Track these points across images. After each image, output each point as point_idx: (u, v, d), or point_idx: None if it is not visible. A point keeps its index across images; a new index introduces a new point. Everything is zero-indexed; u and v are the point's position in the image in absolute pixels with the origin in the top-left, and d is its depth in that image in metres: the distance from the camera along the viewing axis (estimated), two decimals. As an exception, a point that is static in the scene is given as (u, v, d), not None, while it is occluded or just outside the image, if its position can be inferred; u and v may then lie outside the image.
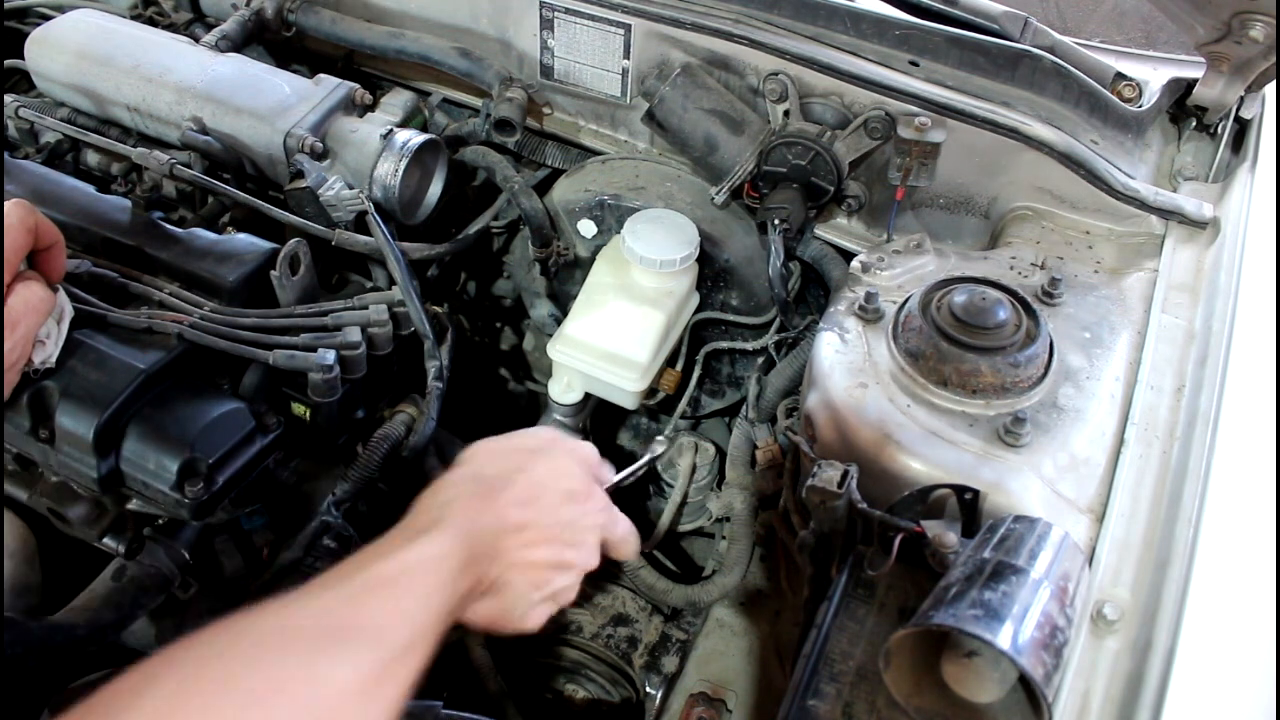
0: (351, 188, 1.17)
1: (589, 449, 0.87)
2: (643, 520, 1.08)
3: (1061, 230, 1.17)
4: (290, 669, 0.57)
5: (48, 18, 1.38)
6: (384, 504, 1.21)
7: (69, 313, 0.94)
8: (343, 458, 1.19)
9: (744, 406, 1.29)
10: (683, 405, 1.36)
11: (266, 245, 1.10)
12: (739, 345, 1.34)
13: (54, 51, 1.28)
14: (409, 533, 0.70)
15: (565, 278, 1.43)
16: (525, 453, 0.81)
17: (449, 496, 0.75)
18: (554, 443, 0.84)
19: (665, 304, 1.23)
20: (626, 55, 1.31)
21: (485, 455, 0.81)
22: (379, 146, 1.21)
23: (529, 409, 1.66)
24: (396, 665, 0.62)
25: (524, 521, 0.75)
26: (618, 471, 0.92)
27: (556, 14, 1.32)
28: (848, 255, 1.29)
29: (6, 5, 1.48)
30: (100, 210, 1.11)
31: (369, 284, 1.25)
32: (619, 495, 0.90)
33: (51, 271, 0.91)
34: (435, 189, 1.30)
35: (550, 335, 1.33)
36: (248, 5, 1.43)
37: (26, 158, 1.24)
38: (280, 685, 0.56)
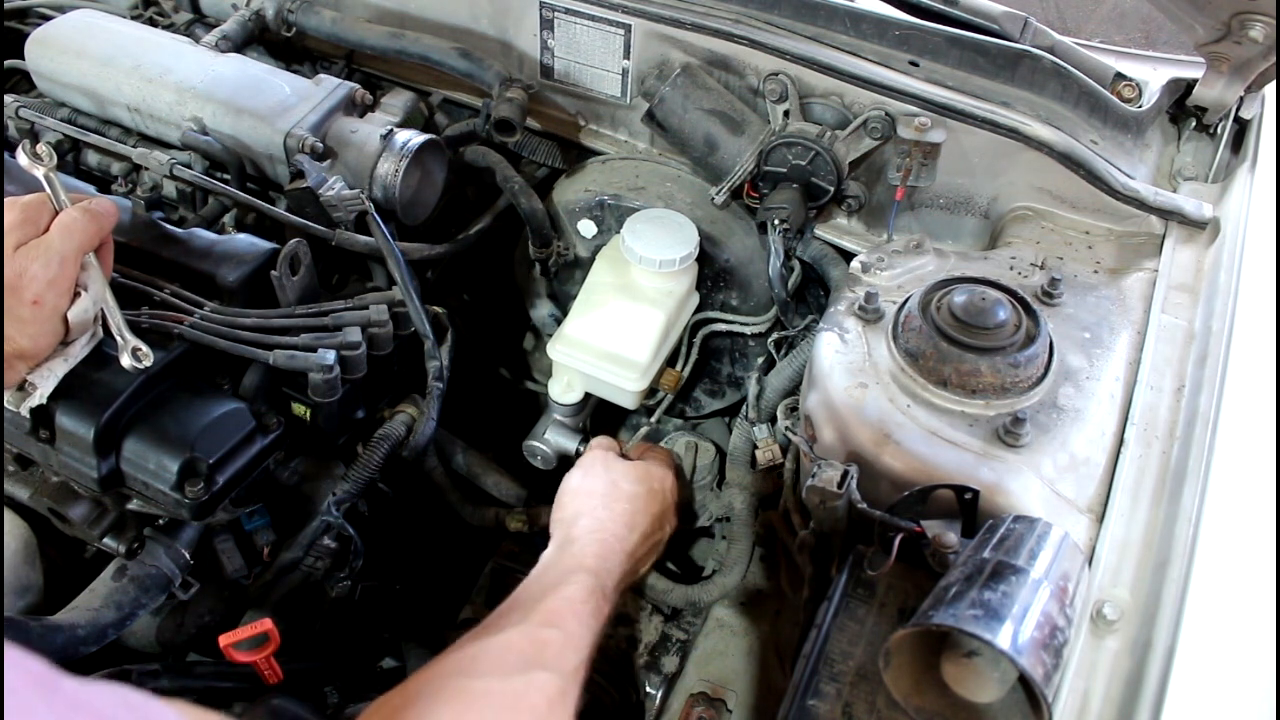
0: (352, 188, 1.17)
1: (670, 479, 1.16)
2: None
3: (1061, 230, 1.17)
4: (516, 683, 0.76)
5: (48, 18, 1.38)
6: (384, 504, 1.21)
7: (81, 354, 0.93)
8: (343, 458, 1.19)
9: (744, 406, 1.29)
10: (683, 372, 1.35)
11: (266, 245, 1.10)
12: (737, 328, 1.33)
13: (54, 51, 1.28)
14: (558, 571, 0.93)
15: (565, 278, 1.43)
16: (632, 498, 1.07)
17: (582, 541, 0.99)
18: (648, 478, 1.12)
19: (665, 304, 1.23)
20: (626, 55, 1.31)
21: (600, 498, 1.06)
22: (379, 146, 1.21)
23: (529, 409, 1.66)
24: (572, 683, 0.80)
25: (644, 556, 1.07)
26: None
27: (556, 14, 1.32)
28: (848, 255, 1.29)
29: (6, 5, 1.48)
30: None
31: (369, 284, 1.25)
32: None
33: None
34: (435, 189, 1.30)
35: (550, 335, 1.33)
36: (248, 5, 1.43)
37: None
38: (518, 695, 0.75)
